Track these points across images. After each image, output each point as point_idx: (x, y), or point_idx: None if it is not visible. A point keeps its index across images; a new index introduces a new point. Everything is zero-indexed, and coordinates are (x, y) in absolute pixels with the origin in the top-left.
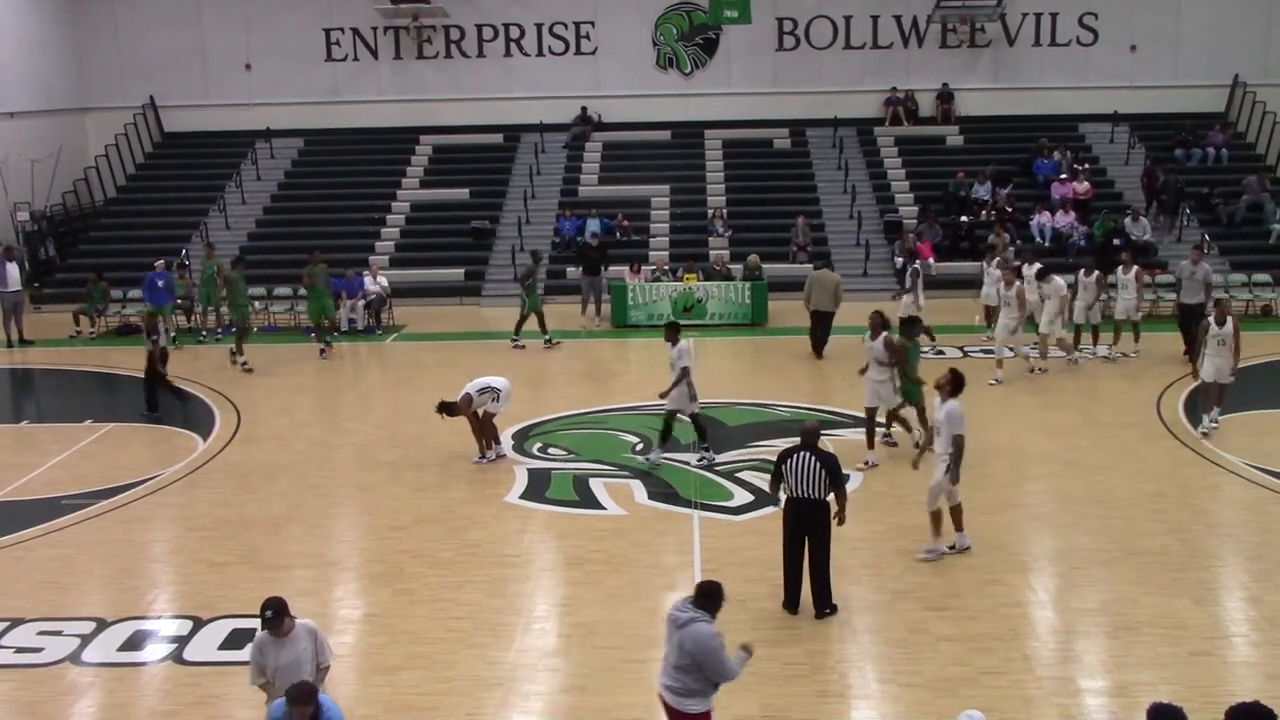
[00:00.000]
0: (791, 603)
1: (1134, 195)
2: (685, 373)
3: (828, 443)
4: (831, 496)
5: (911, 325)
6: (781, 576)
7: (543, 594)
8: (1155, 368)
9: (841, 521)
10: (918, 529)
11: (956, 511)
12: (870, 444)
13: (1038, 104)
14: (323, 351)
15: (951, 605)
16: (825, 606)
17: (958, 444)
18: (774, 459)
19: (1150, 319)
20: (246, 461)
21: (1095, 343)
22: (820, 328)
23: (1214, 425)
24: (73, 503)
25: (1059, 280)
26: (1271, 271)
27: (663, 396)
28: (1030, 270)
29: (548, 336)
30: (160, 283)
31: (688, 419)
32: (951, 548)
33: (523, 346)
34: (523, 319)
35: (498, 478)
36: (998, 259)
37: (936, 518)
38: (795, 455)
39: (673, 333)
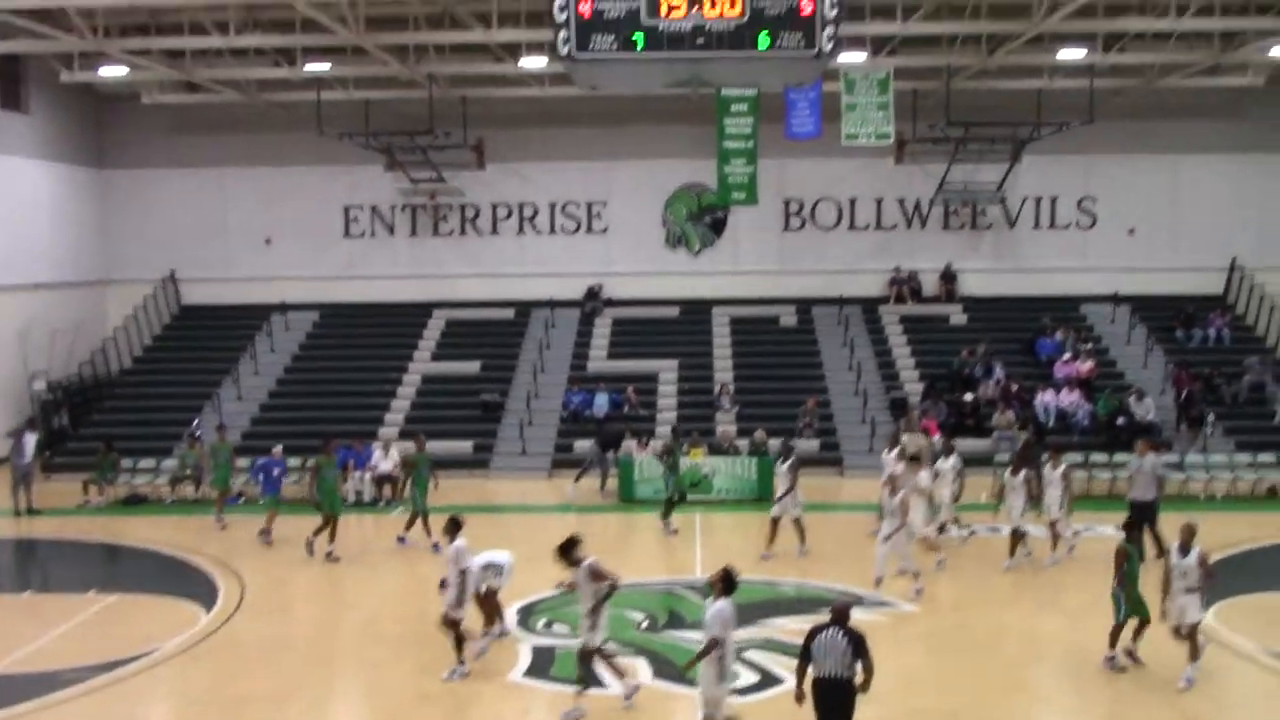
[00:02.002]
0: None
1: (1136, 375)
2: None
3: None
4: (858, 671)
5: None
6: None
7: None
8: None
9: (865, 690)
10: (926, 712)
11: None
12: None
13: (1039, 284)
14: (310, 545)
15: None
16: None
17: (710, 645)
18: (780, 638)
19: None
20: (249, 635)
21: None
22: None
23: (1190, 680)
24: (72, 677)
25: (925, 474)
26: (1276, 451)
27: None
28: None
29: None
30: (276, 471)
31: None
32: None
33: (676, 531)
34: (670, 502)
35: (501, 655)
36: (897, 449)
37: None
38: (824, 632)
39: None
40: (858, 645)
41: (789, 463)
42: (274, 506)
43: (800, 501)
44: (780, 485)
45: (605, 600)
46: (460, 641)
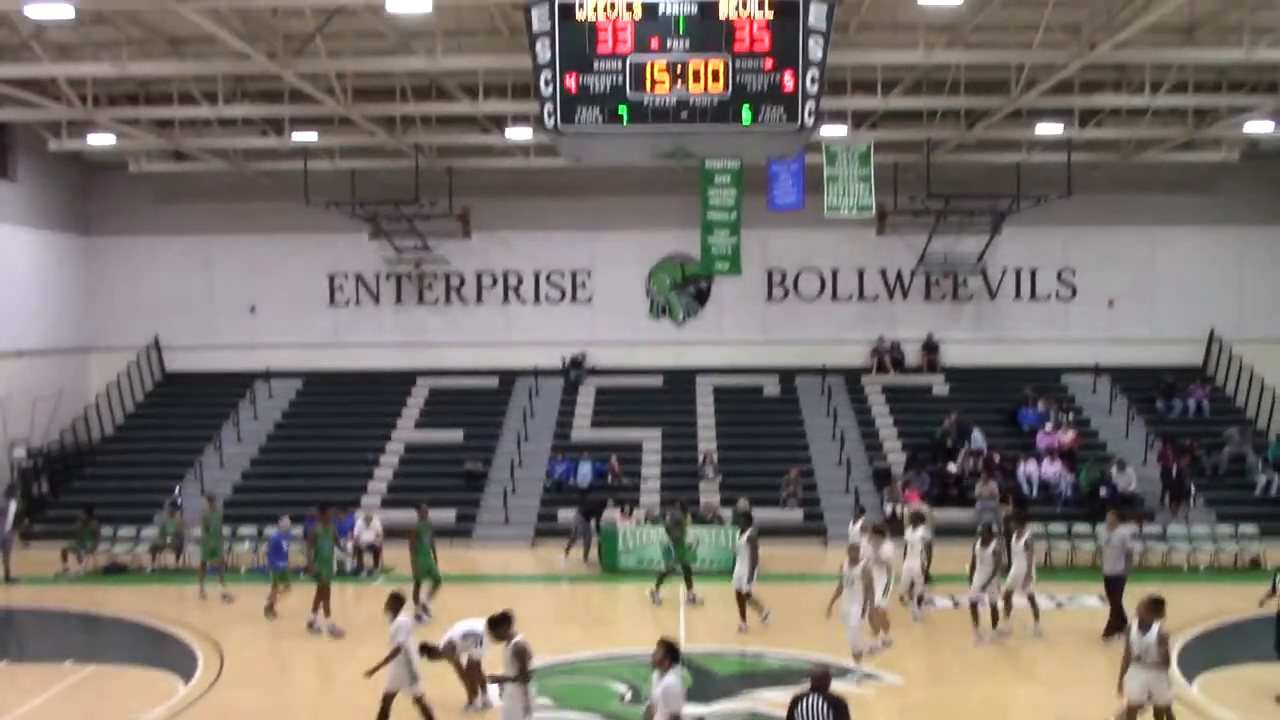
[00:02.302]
0: None
1: (1118, 445)
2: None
3: None
4: None
5: None
6: None
7: None
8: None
9: None
10: None
11: None
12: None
13: (1020, 355)
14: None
15: None
16: None
17: None
18: (763, 710)
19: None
20: (229, 706)
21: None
22: None
23: None
24: None
25: (888, 546)
26: (1258, 523)
27: None
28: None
29: (693, 594)
30: (285, 544)
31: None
32: None
33: (660, 601)
34: (668, 571)
35: None
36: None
37: None
38: (805, 700)
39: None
40: (840, 712)
41: (747, 534)
42: (282, 580)
43: (755, 575)
44: (741, 558)
45: (525, 681)
46: (428, 715)
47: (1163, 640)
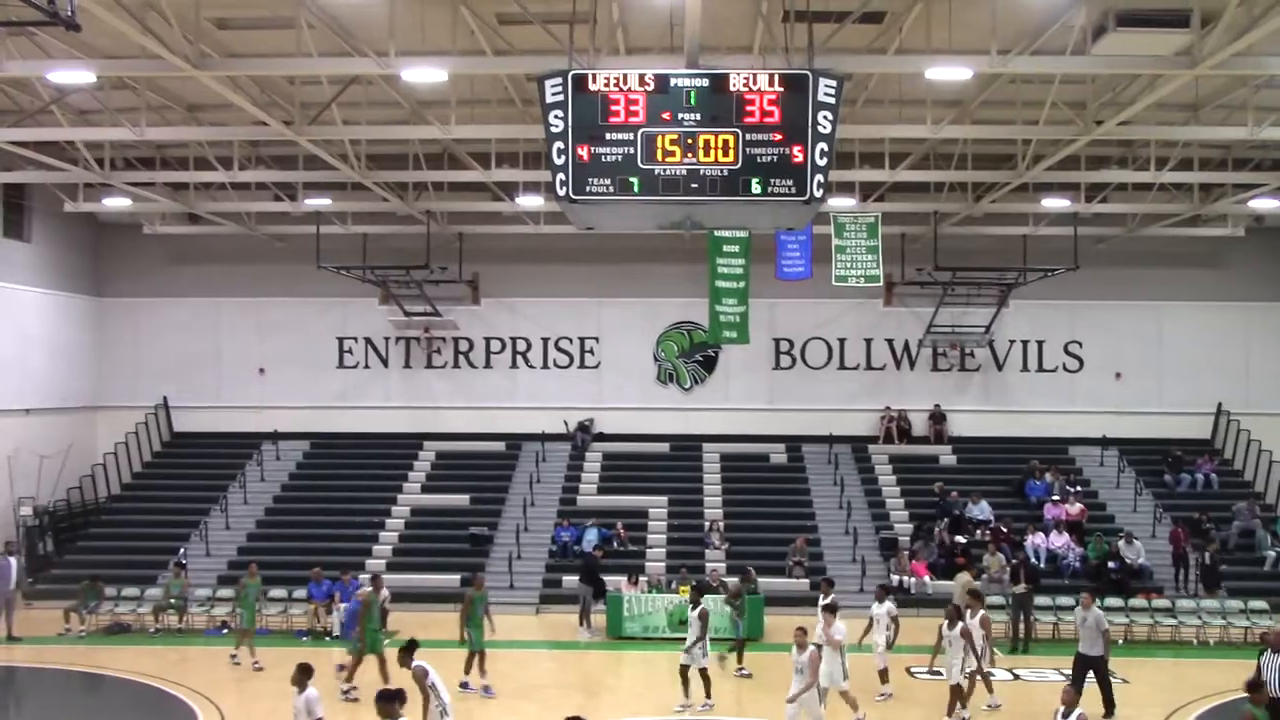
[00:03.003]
0: None
1: (1126, 517)
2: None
3: None
4: None
5: None
6: None
7: None
8: (1163, 694)
9: None
10: None
11: None
12: None
13: (1028, 426)
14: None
15: None
16: None
17: None
18: None
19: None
20: None
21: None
22: None
23: None
24: None
25: (839, 625)
26: (1267, 598)
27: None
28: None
29: (741, 668)
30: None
31: None
32: None
33: (749, 674)
34: (742, 643)
35: None
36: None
37: None
38: None
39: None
40: None
41: (698, 610)
42: (356, 650)
43: (706, 651)
44: (691, 632)
45: None
46: None
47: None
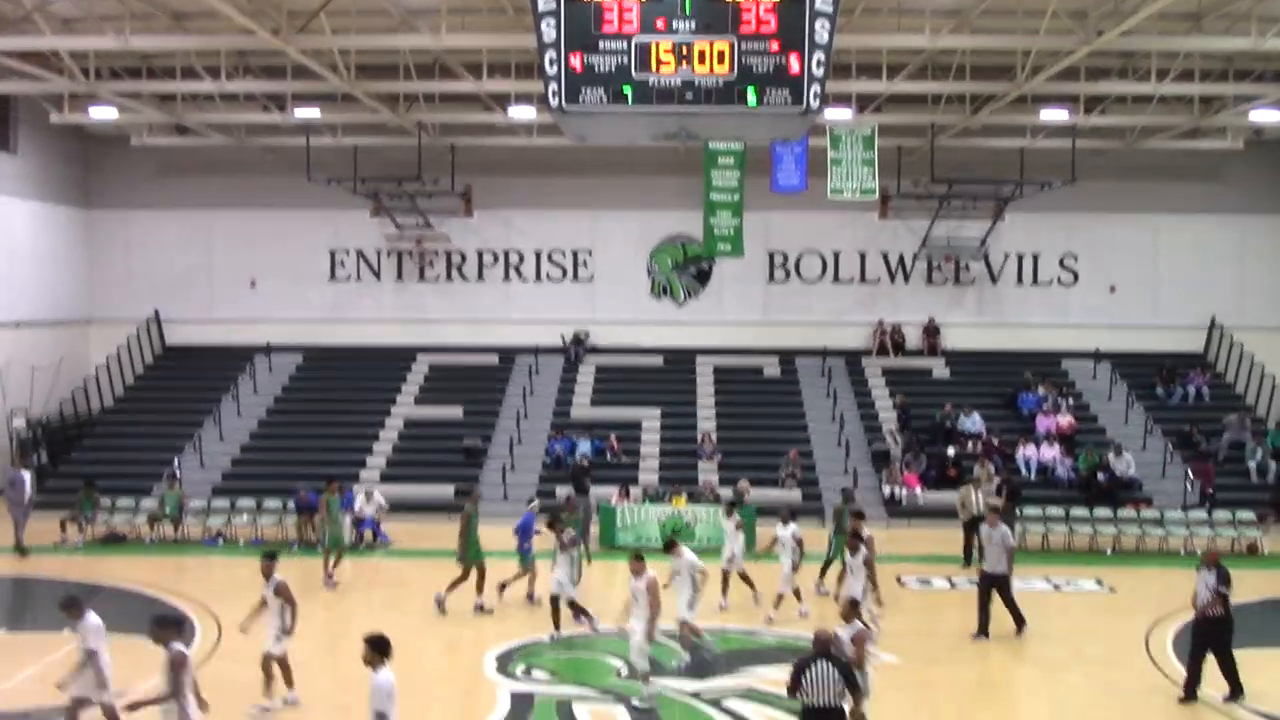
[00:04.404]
0: None
1: (1117, 430)
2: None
3: None
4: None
5: None
6: None
7: None
8: (1149, 604)
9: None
10: None
11: None
12: None
13: (1021, 339)
14: (329, 579)
15: None
16: None
17: None
18: (761, 687)
19: (1139, 554)
20: (225, 677)
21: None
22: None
23: None
24: (43, 717)
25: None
26: (1255, 509)
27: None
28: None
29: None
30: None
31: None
32: None
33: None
34: (828, 563)
35: (479, 701)
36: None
37: None
38: (814, 665)
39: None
40: (848, 676)
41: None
42: (529, 566)
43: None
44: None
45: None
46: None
47: (858, 641)
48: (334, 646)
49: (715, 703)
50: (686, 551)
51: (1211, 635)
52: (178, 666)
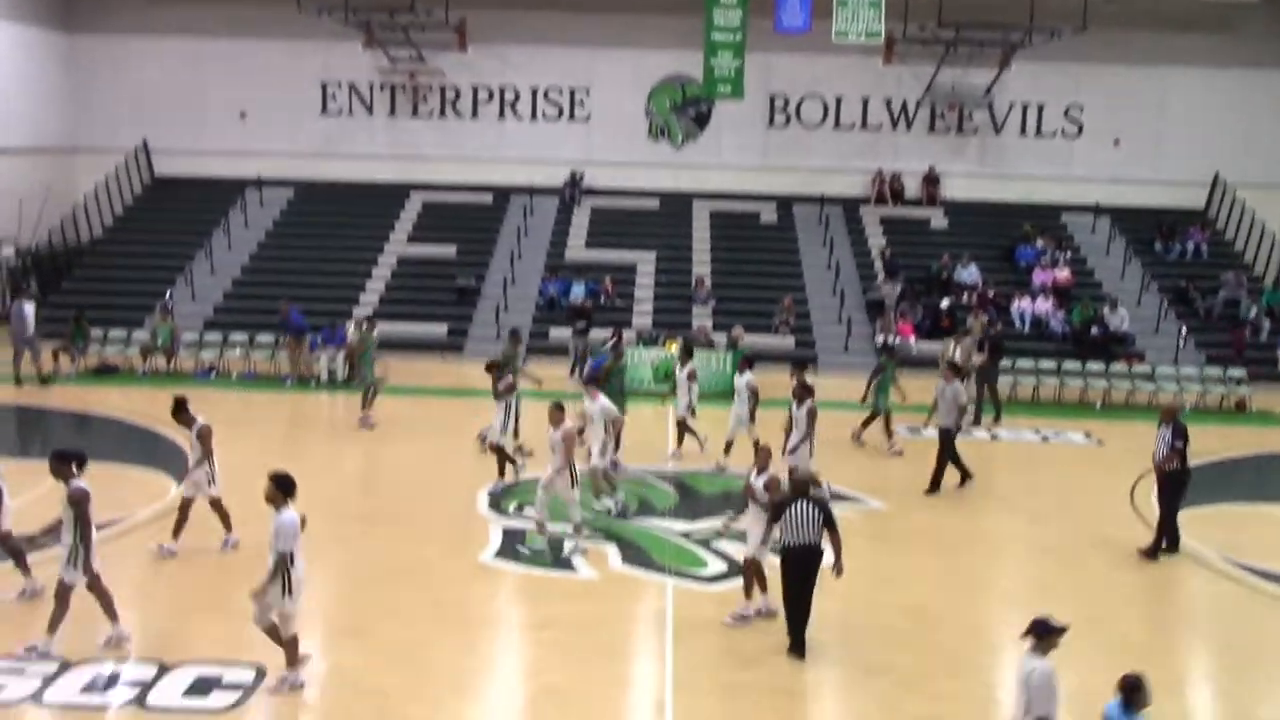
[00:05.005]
0: (798, 648)
1: (1113, 285)
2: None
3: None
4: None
5: None
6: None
7: (512, 655)
8: (1136, 457)
9: (840, 569)
10: (891, 607)
11: (292, 644)
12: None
13: (1022, 191)
14: (366, 419)
15: (923, 684)
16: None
17: (280, 562)
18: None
19: (1128, 408)
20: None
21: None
22: None
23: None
24: (45, 540)
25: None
26: (1246, 366)
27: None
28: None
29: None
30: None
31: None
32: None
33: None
34: (872, 419)
35: (472, 536)
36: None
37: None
38: (793, 505)
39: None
40: (828, 516)
41: (687, 370)
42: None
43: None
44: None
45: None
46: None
47: (770, 486)
48: (320, 481)
49: (705, 543)
50: (601, 397)
51: (1167, 489)
52: (77, 502)
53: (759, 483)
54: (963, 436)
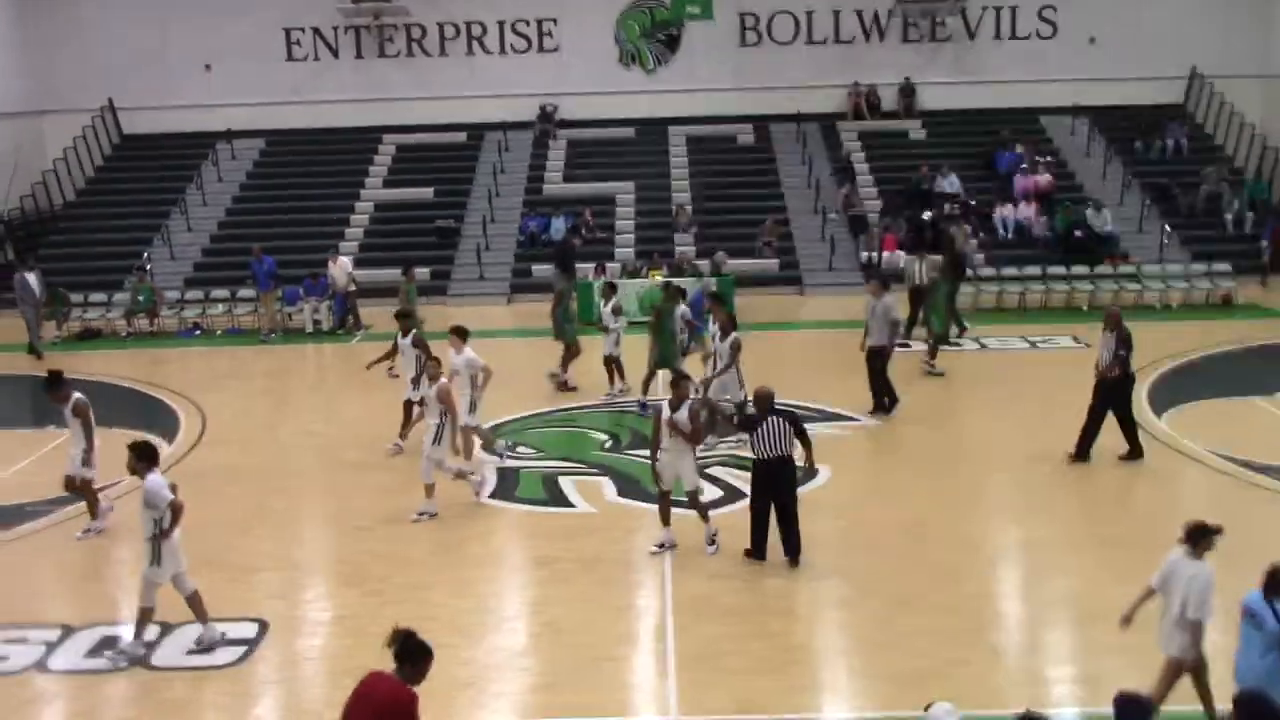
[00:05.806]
0: (760, 551)
1: (1095, 187)
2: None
3: None
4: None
5: None
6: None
7: (512, 593)
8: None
9: (812, 469)
10: (883, 523)
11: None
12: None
13: (998, 97)
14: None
15: (918, 599)
16: (798, 554)
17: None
18: (740, 452)
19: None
20: (211, 465)
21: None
22: None
23: None
24: (36, 509)
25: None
26: (1231, 260)
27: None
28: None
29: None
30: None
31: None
32: None
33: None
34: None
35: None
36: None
37: None
38: (763, 422)
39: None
40: (795, 422)
41: (611, 303)
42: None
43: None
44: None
45: None
46: None
47: (693, 416)
48: (312, 432)
49: (700, 470)
50: (468, 349)
51: (1110, 397)
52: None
53: (682, 415)
54: (952, 349)
